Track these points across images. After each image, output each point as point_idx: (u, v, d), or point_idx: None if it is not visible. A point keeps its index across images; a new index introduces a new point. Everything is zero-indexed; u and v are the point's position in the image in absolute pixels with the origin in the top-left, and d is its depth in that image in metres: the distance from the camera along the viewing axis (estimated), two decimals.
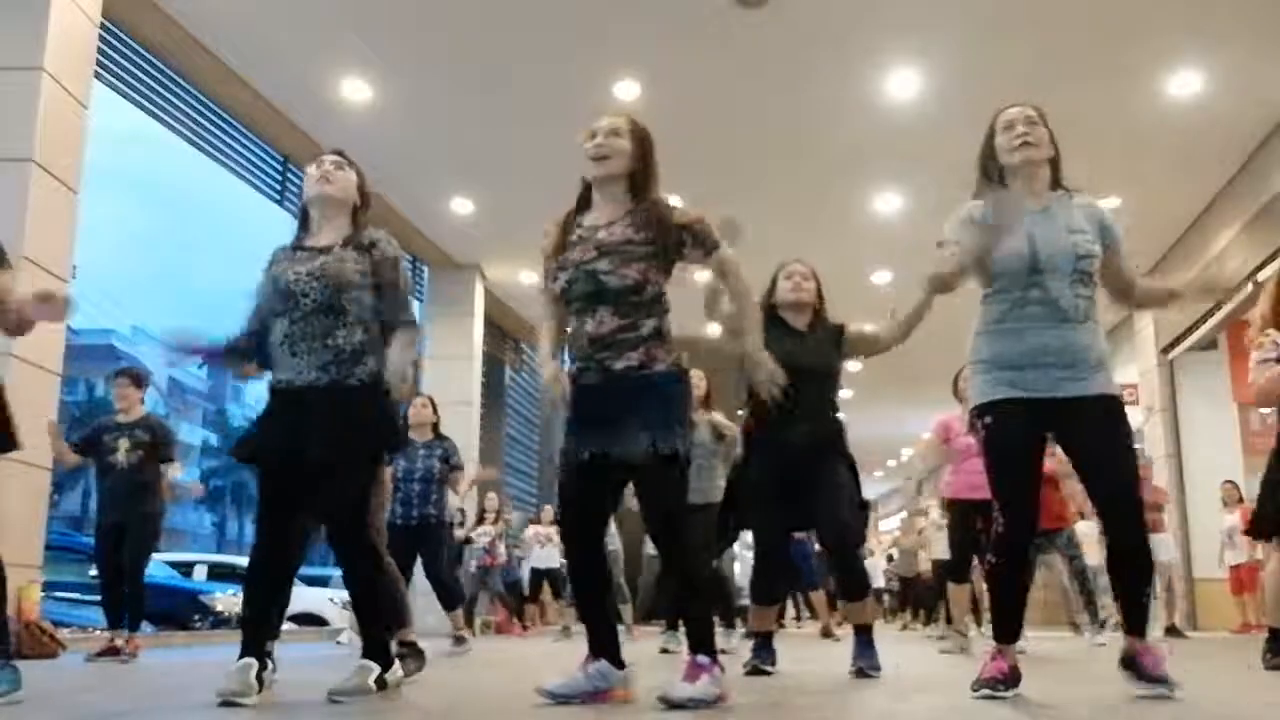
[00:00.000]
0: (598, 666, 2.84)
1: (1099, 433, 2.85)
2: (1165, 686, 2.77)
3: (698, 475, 6.47)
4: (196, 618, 11.29)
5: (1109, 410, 2.88)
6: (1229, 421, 12.15)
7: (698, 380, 5.83)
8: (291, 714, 2.77)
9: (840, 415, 4.24)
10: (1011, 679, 2.93)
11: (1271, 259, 9.33)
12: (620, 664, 2.89)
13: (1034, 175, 2.98)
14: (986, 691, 2.87)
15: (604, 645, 2.88)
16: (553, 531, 10.25)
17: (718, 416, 6.24)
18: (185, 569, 13.89)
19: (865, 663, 3.97)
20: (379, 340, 3.11)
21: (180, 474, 6.50)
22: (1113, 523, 2.87)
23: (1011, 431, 2.88)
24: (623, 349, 2.78)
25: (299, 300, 3.03)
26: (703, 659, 2.68)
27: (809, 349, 4.10)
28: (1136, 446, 3.28)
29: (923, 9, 7.53)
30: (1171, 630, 9.09)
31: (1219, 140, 9.24)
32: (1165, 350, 12.60)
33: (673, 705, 2.57)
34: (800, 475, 4.02)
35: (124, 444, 5.93)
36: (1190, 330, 11.61)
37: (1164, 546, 8.90)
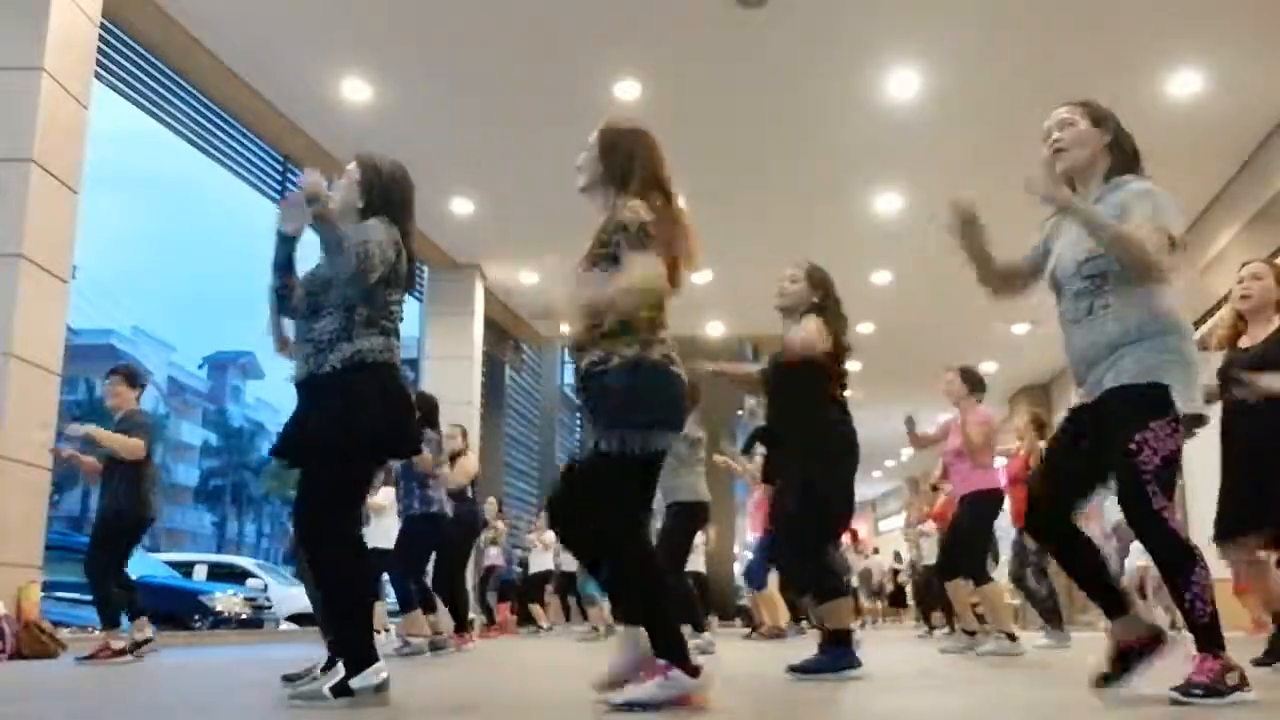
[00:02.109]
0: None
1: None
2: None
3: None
4: (196, 618, 11.27)
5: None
6: None
7: None
8: (301, 713, 2.76)
9: (822, 412, 4.14)
10: None
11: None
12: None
13: (1081, 179, 2.91)
14: None
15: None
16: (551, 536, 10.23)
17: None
18: (185, 569, 13.88)
19: (802, 664, 3.74)
20: (365, 322, 3.05)
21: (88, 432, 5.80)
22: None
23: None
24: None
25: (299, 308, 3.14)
26: (660, 661, 2.57)
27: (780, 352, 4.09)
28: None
29: (923, 9, 7.53)
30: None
31: (1219, 140, 9.24)
32: None
33: (615, 707, 2.51)
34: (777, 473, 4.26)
35: None
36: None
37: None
